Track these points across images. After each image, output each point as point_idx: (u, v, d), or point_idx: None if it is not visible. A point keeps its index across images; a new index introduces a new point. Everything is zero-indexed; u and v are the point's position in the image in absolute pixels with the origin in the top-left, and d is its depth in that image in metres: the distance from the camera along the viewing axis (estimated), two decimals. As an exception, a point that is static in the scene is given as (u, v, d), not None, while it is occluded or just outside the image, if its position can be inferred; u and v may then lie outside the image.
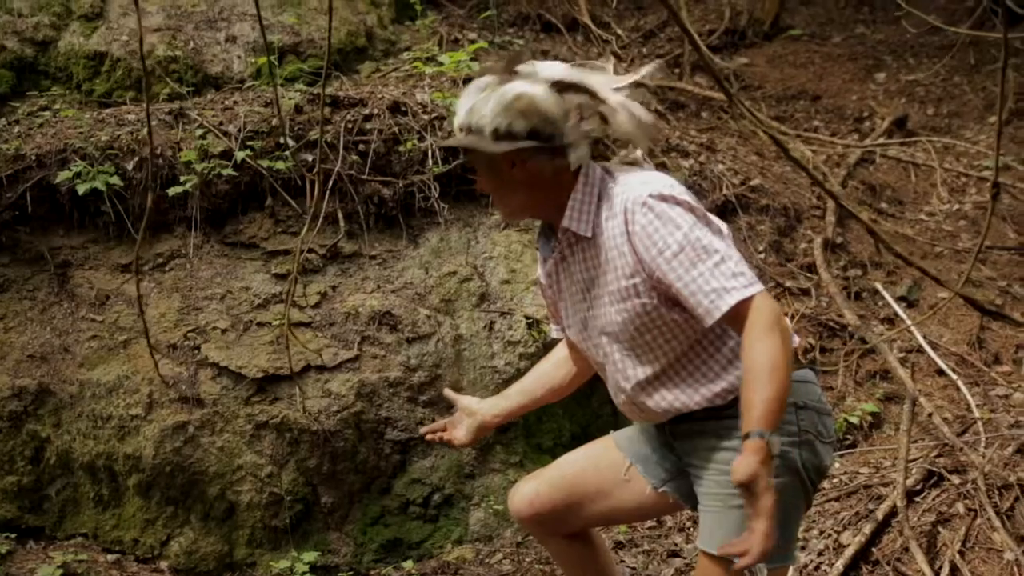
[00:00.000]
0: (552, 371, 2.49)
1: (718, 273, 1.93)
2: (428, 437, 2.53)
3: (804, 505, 2.15)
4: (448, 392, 2.60)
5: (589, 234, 2.08)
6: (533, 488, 2.42)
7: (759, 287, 1.93)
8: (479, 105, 2.04)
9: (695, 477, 2.20)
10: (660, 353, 2.10)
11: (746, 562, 1.74)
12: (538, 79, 2.04)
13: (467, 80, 4.52)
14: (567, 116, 2.04)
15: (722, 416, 2.11)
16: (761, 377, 1.83)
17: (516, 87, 2.02)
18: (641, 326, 2.08)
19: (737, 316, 1.92)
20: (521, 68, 2.05)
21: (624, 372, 2.16)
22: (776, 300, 2.22)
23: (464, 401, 2.52)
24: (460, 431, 2.50)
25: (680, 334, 2.07)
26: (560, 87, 2.04)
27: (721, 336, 2.09)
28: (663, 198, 1.99)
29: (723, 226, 2.13)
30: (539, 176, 2.08)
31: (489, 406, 2.50)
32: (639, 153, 2.18)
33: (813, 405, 2.11)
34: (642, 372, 2.14)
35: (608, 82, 2.08)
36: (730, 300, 1.91)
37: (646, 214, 1.98)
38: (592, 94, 2.06)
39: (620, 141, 2.18)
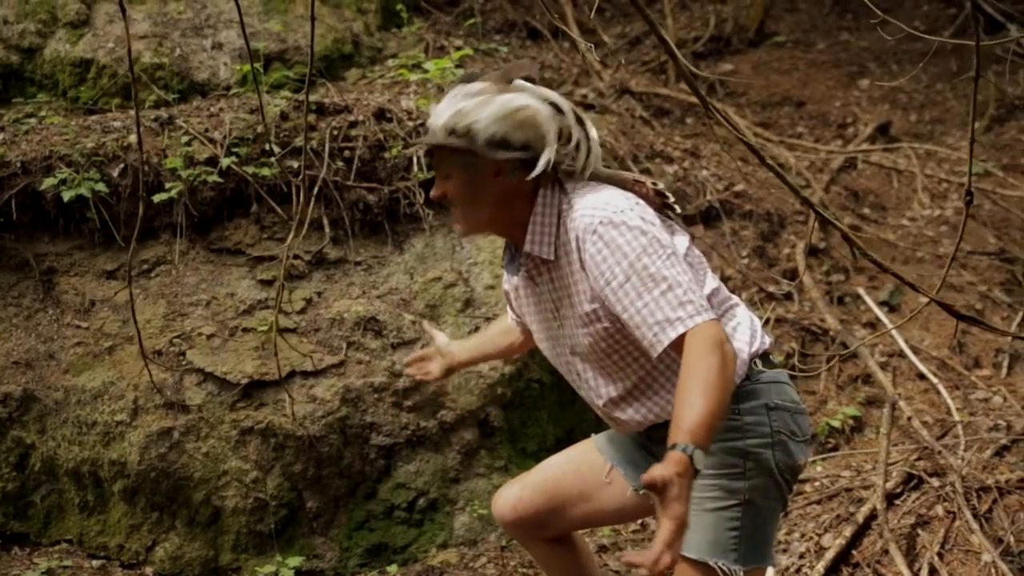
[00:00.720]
0: (500, 339, 2.61)
1: (663, 303, 1.89)
2: (410, 370, 2.69)
3: (780, 506, 2.17)
4: (427, 325, 2.76)
5: (552, 257, 2.07)
6: (516, 493, 2.44)
7: (706, 316, 1.89)
8: (472, 109, 2.00)
9: None
10: (630, 371, 2.12)
11: (642, 572, 1.64)
12: (536, 95, 2.03)
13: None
14: (557, 137, 2.03)
15: None
16: (693, 392, 1.77)
17: (519, 99, 2.00)
18: (607, 348, 2.09)
19: (682, 345, 1.89)
20: (517, 82, 2.05)
21: (596, 390, 2.18)
22: (749, 311, 2.22)
23: (439, 338, 2.66)
24: (434, 366, 2.65)
25: (645, 354, 2.08)
26: (556, 108, 2.04)
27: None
28: (612, 224, 1.95)
29: (683, 239, 2.12)
30: (513, 191, 2.07)
31: (457, 351, 2.64)
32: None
33: (785, 405, 2.12)
34: (614, 390, 2.15)
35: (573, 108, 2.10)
36: (672, 333, 1.88)
37: (595, 242, 1.95)
38: (581, 123, 2.07)
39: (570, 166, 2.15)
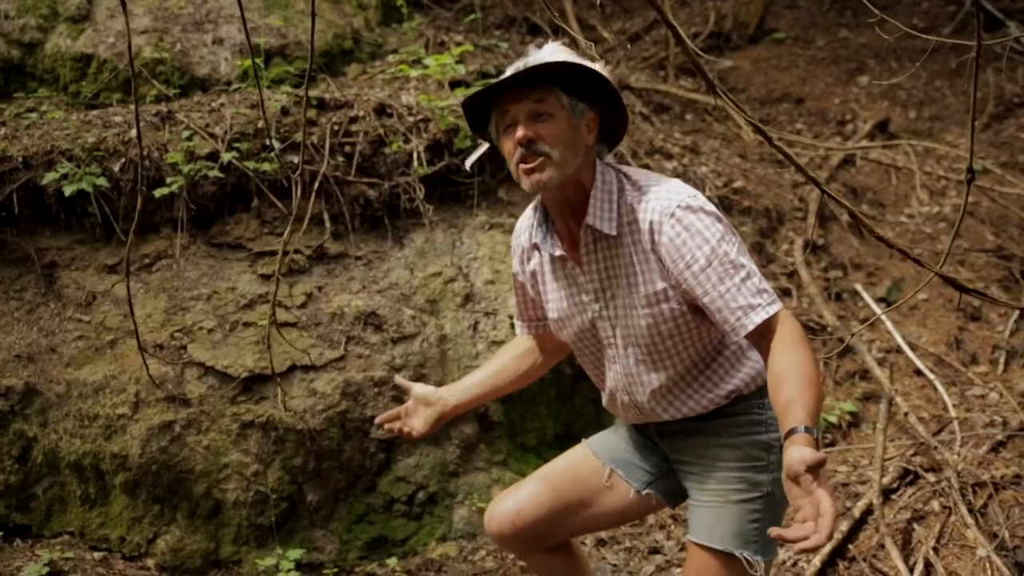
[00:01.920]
0: (516, 365, 2.44)
1: (744, 289, 1.95)
2: (387, 426, 2.41)
3: (786, 502, 2.19)
4: (400, 380, 2.46)
5: (614, 232, 2.06)
6: (513, 506, 2.36)
7: (779, 304, 1.97)
8: (586, 63, 2.01)
9: (687, 474, 2.22)
10: (677, 360, 2.11)
11: (815, 541, 1.65)
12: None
13: (453, 84, 4.57)
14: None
15: (721, 415, 2.15)
16: (803, 379, 1.84)
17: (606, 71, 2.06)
18: (666, 331, 2.08)
19: (763, 332, 1.95)
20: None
21: (639, 377, 2.15)
22: None
23: (418, 389, 2.41)
24: (417, 421, 2.39)
25: (698, 341, 2.10)
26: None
27: (722, 341, 2.13)
28: (691, 209, 1.99)
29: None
30: (590, 151, 2.09)
31: (449, 396, 2.40)
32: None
33: None
34: (656, 379, 2.13)
35: None
36: (756, 319, 1.94)
37: (674, 226, 1.98)
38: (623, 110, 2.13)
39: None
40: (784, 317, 1.95)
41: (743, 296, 1.95)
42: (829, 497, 1.66)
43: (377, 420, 2.44)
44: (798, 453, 1.70)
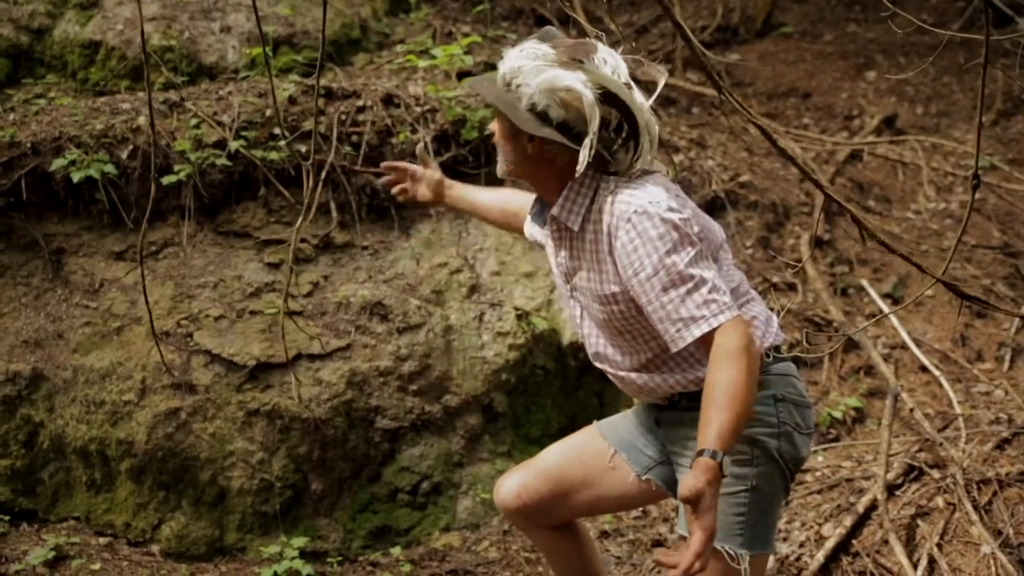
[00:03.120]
0: (504, 210, 2.61)
1: (688, 301, 1.94)
2: (385, 178, 2.69)
3: (783, 493, 2.21)
4: (421, 151, 2.66)
5: (577, 228, 2.11)
6: (520, 480, 2.43)
7: (729, 314, 1.94)
8: (528, 71, 2.02)
9: (677, 465, 2.25)
10: (643, 350, 2.16)
11: (672, 573, 1.76)
12: (592, 80, 2.01)
13: (461, 75, 4.56)
14: (602, 125, 2.02)
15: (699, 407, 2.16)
16: (721, 400, 1.85)
17: (569, 78, 1.99)
18: (621, 328, 2.13)
19: (704, 343, 1.95)
20: (585, 61, 2.03)
21: (608, 355, 2.24)
22: (763, 305, 2.25)
23: (434, 166, 2.66)
24: (422, 187, 2.65)
25: (656, 337, 2.11)
26: (608, 98, 2.02)
27: None
28: (647, 215, 1.98)
29: (716, 230, 2.16)
30: (549, 159, 2.10)
31: (453, 184, 2.67)
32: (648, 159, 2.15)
33: (792, 398, 2.16)
34: (627, 361, 2.20)
35: (644, 103, 2.09)
36: (695, 331, 1.94)
37: (628, 231, 1.99)
38: (632, 119, 2.05)
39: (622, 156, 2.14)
40: (729, 328, 1.92)
41: (685, 308, 1.94)
42: (700, 532, 1.76)
43: (384, 165, 2.70)
44: (686, 483, 1.78)
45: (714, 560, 2.08)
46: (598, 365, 2.31)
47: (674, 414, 2.23)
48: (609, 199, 2.06)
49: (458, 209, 2.75)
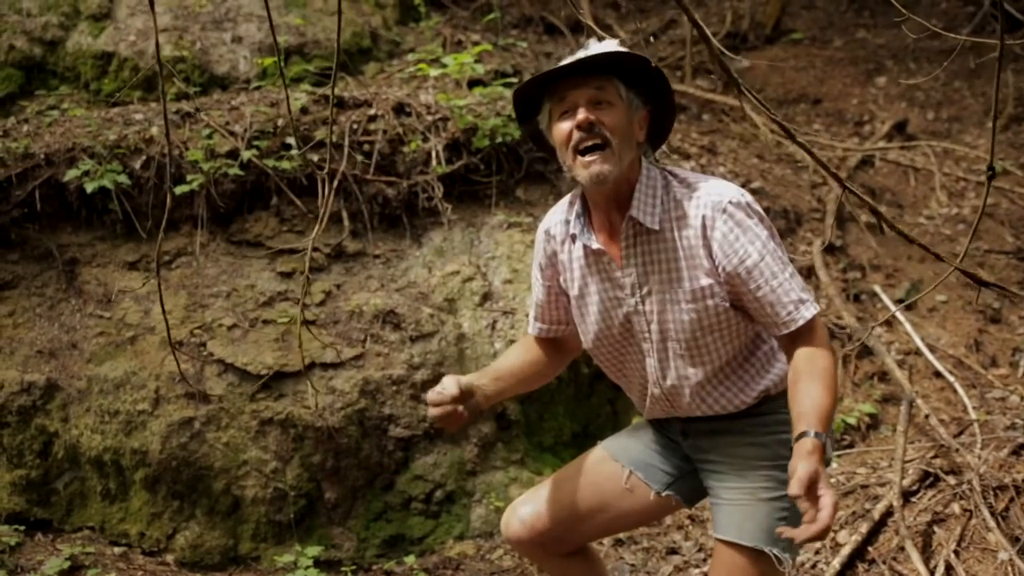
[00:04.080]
0: (530, 369, 2.35)
1: (795, 284, 2.02)
2: (435, 411, 2.16)
3: None
4: (453, 385, 2.17)
5: (657, 227, 2.06)
6: (532, 512, 2.34)
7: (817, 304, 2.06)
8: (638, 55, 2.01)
9: (712, 473, 2.22)
10: (716, 355, 2.12)
11: (816, 529, 1.75)
12: None
13: (472, 83, 4.57)
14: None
15: (749, 414, 2.16)
16: (823, 385, 1.93)
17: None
18: (708, 327, 2.08)
19: (804, 330, 2.02)
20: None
21: (678, 372, 2.14)
22: None
23: (465, 381, 2.19)
24: (467, 410, 2.18)
25: (737, 338, 2.12)
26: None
27: (755, 341, 2.16)
28: (741, 206, 2.03)
29: None
30: (639, 148, 2.11)
31: (479, 390, 2.24)
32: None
33: None
34: (694, 374, 2.13)
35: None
36: (807, 312, 2.01)
37: (726, 221, 2.02)
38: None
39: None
40: (820, 319, 2.03)
41: (795, 291, 2.01)
42: (829, 507, 1.77)
43: (432, 400, 2.17)
44: (798, 470, 1.80)
45: (760, 564, 2.07)
46: (661, 403, 2.20)
47: (710, 423, 2.20)
48: (690, 194, 2.06)
49: (501, 399, 2.39)
